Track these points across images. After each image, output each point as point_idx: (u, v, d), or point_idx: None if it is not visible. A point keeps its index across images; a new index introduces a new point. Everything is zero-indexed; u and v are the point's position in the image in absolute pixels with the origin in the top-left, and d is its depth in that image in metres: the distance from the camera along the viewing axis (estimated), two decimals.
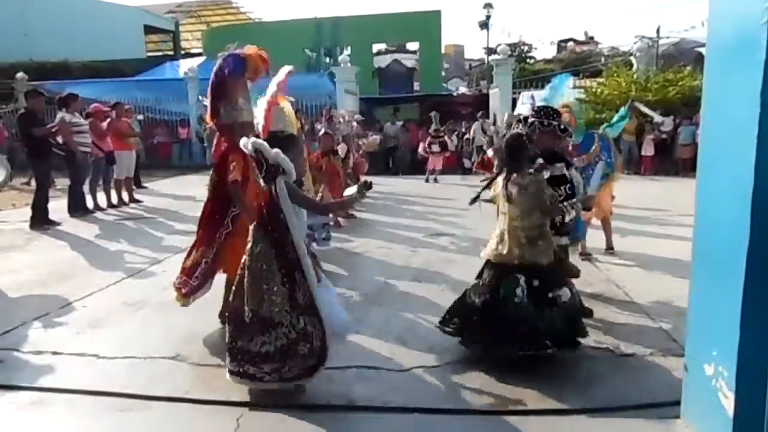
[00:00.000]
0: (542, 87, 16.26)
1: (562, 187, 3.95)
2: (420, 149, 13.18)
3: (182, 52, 33.29)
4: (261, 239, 2.92)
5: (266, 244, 2.90)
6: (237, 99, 3.77)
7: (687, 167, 12.35)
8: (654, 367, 3.30)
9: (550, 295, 3.25)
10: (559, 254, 3.56)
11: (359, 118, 12.38)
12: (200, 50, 30.34)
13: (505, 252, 3.32)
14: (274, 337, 2.88)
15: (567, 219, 3.78)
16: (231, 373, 3.00)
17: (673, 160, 13.19)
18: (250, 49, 3.83)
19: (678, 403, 2.73)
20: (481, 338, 3.35)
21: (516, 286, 3.24)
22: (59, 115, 8.17)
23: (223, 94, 3.75)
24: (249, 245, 2.96)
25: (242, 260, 2.98)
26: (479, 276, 3.50)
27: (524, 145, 3.36)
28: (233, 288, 3.06)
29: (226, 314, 3.23)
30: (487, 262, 3.46)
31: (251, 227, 3.02)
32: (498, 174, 3.48)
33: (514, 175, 3.34)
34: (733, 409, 2.25)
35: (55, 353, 3.68)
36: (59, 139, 8.07)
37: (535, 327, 3.17)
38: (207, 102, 3.84)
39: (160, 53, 33.88)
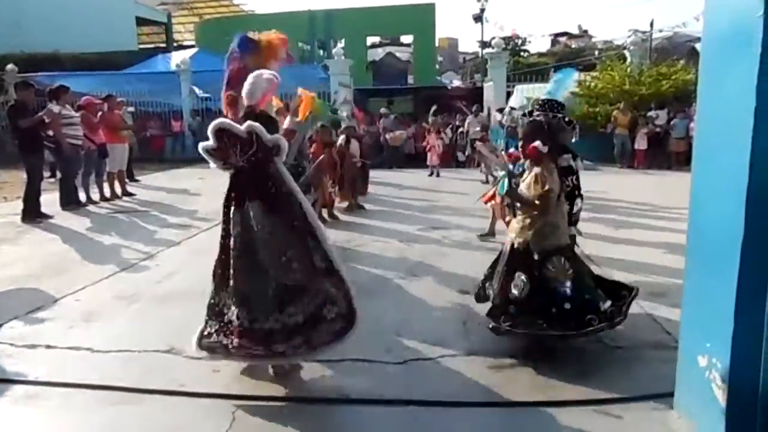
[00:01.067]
0: (536, 80, 16.35)
1: (569, 178, 4.07)
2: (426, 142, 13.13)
3: (175, 44, 33.02)
4: (263, 215, 2.90)
5: (270, 219, 2.90)
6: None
7: (680, 161, 12.40)
8: (648, 359, 3.32)
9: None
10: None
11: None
12: (193, 42, 30.12)
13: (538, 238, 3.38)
14: (301, 306, 2.90)
15: (575, 209, 4.06)
16: (255, 356, 2.99)
17: (667, 153, 13.22)
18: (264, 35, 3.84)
19: (671, 394, 2.75)
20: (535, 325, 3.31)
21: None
22: (48, 106, 8.08)
23: (234, 81, 3.71)
24: (246, 225, 2.92)
25: (236, 243, 2.95)
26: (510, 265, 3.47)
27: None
28: (234, 273, 2.99)
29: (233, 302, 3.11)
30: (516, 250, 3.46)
31: (239, 209, 2.95)
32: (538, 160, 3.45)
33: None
34: (725, 400, 2.27)
35: (48, 347, 3.66)
36: (49, 132, 7.99)
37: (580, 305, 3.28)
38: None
39: (152, 45, 33.60)
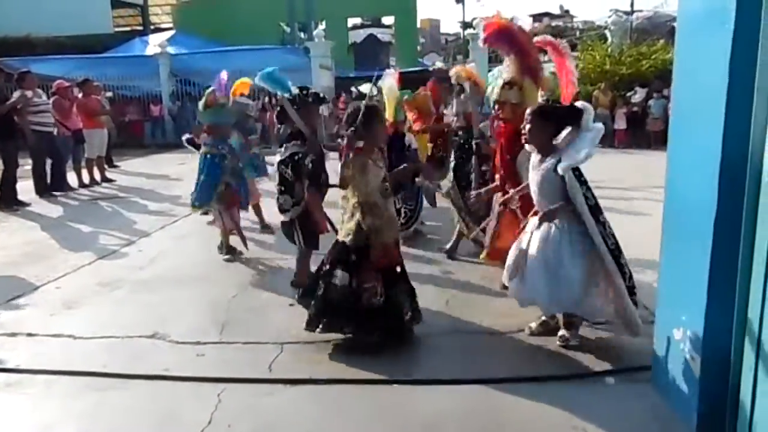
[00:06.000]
0: None
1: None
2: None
3: (152, 27, 32.29)
4: None
5: None
6: None
7: (658, 140, 12.55)
8: (625, 335, 3.39)
9: None
10: None
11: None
12: (170, 25, 29.51)
13: None
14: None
15: None
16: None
17: (646, 133, 13.37)
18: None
19: (649, 367, 2.82)
20: None
21: None
22: (17, 93, 7.83)
23: None
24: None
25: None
26: None
27: None
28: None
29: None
30: None
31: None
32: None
33: None
34: (699, 370, 2.34)
35: (30, 335, 3.63)
36: (16, 119, 7.78)
37: None
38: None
39: (128, 28, 32.81)
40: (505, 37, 3.85)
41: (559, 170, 2.94)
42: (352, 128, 3.13)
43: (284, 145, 4.11)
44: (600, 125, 2.99)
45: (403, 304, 3.29)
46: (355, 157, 3.14)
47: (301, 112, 4.09)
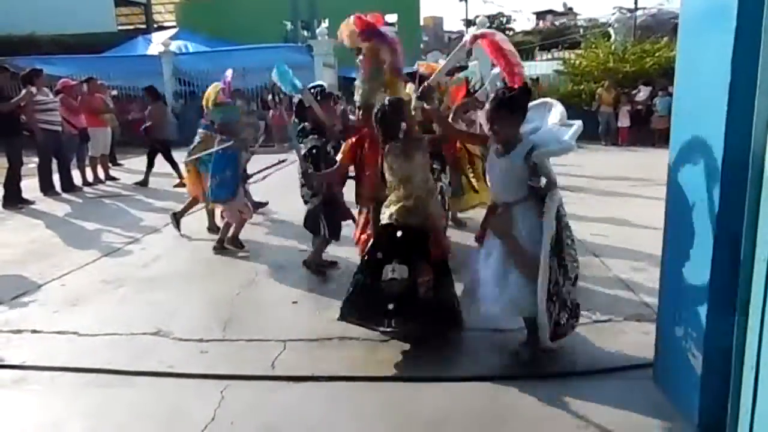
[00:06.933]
0: (521, 59, 16.26)
1: None
2: None
3: (155, 25, 32.34)
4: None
5: None
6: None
7: (663, 138, 12.50)
8: (629, 332, 3.40)
9: None
10: None
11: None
12: (173, 23, 29.54)
13: None
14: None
15: None
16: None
17: (650, 130, 13.33)
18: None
19: (651, 365, 2.83)
20: None
21: None
22: (23, 92, 7.83)
23: None
24: None
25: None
26: None
27: None
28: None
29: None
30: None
31: None
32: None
33: None
34: (701, 368, 2.34)
35: (34, 331, 3.66)
36: (22, 117, 7.80)
37: None
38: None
39: (131, 27, 32.86)
40: (372, 35, 3.76)
41: (534, 158, 2.81)
42: (398, 119, 3.23)
43: (301, 140, 4.34)
44: (579, 122, 2.91)
45: (454, 294, 3.32)
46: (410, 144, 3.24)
47: (322, 107, 4.43)
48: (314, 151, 4.29)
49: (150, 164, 9.11)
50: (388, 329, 3.27)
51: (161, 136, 9.05)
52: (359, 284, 3.28)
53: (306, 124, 4.52)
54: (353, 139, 3.83)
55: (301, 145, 4.30)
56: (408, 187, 3.21)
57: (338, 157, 3.89)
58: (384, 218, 3.27)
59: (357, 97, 3.92)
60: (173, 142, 9.42)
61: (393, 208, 3.22)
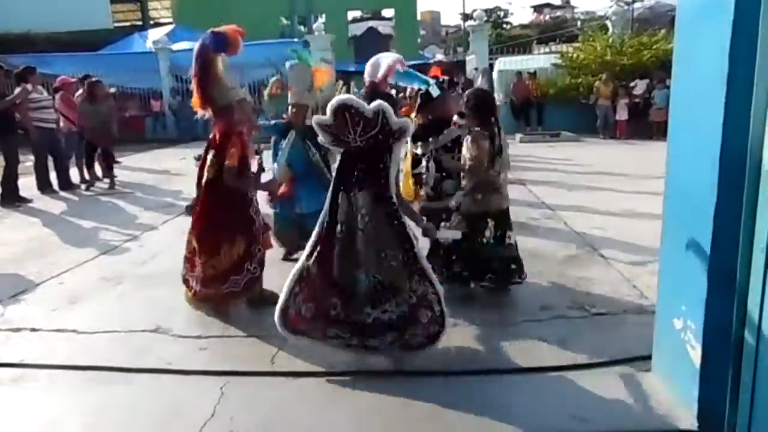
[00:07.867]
0: (518, 53, 16.30)
1: None
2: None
3: (151, 22, 32.21)
4: (372, 207, 2.80)
5: (379, 211, 2.81)
6: (225, 78, 3.63)
7: (661, 131, 12.48)
8: (628, 325, 3.41)
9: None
10: None
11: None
12: (170, 20, 29.45)
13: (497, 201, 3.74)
14: (395, 303, 2.85)
15: None
16: (349, 347, 2.95)
17: (648, 123, 13.31)
18: (225, 27, 3.70)
19: (650, 357, 2.83)
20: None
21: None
22: (17, 89, 7.75)
23: (213, 76, 3.55)
24: (351, 213, 2.81)
25: (342, 229, 2.84)
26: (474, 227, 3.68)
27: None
28: (336, 260, 2.88)
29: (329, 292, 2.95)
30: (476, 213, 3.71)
31: (348, 195, 2.82)
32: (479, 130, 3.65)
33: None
34: (699, 359, 2.34)
35: (33, 330, 3.65)
36: (17, 115, 7.76)
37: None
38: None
39: (127, 23, 32.73)
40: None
41: None
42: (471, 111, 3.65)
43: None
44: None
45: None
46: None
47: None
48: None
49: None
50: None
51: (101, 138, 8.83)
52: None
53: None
54: None
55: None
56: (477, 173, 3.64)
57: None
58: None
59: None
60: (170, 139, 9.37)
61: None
